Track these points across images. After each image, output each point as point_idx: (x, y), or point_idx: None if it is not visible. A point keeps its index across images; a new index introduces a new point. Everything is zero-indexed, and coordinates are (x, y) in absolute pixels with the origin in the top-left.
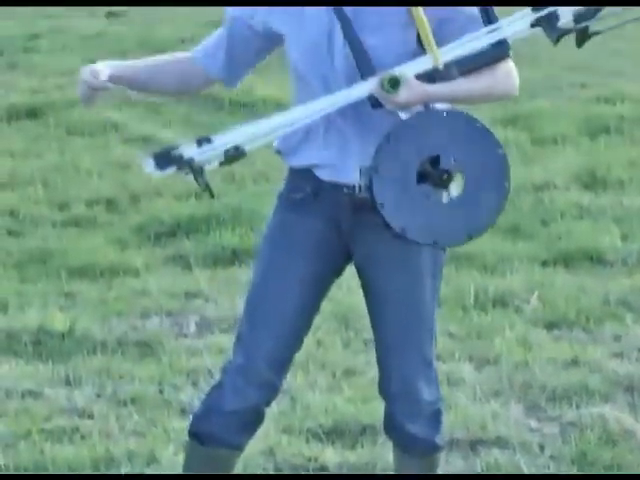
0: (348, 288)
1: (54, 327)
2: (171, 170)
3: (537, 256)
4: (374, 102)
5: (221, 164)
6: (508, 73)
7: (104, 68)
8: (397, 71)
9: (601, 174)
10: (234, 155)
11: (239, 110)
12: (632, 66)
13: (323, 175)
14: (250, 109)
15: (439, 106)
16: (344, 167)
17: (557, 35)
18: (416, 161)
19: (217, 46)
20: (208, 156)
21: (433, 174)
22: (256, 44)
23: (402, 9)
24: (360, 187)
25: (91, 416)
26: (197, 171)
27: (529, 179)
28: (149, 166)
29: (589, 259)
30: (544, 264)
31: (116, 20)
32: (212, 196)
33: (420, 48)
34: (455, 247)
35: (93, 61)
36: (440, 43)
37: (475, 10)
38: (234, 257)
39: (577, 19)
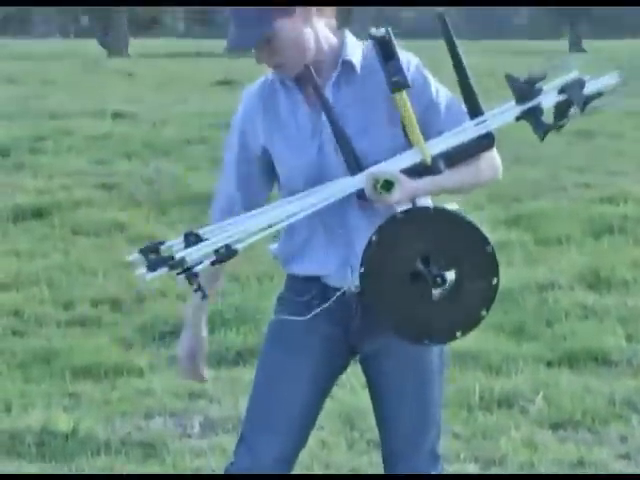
0: (351, 388)
1: (58, 428)
2: (162, 271)
3: (542, 356)
4: (360, 194)
5: (212, 263)
6: (492, 160)
7: (192, 341)
8: (388, 172)
9: (605, 274)
10: (225, 254)
11: None
12: (634, 167)
13: (330, 281)
14: None
15: (424, 200)
16: (350, 273)
17: (543, 130)
18: (406, 263)
19: (231, 203)
20: (199, 256)
21: (425, 274)
22: (261, 175)
23: (385, 105)
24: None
25: None
26: (189, 271)
27: (533, 279)
28: (139, 268)
29: (594, 359)
30: (549, 364)
31: (122, 121)
32: (204, 297)
33: (407, 139)
34: (448, 343)
35: (100, 161)
36: (424, 129)
37: (452, 96)
38: (238, 357)
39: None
